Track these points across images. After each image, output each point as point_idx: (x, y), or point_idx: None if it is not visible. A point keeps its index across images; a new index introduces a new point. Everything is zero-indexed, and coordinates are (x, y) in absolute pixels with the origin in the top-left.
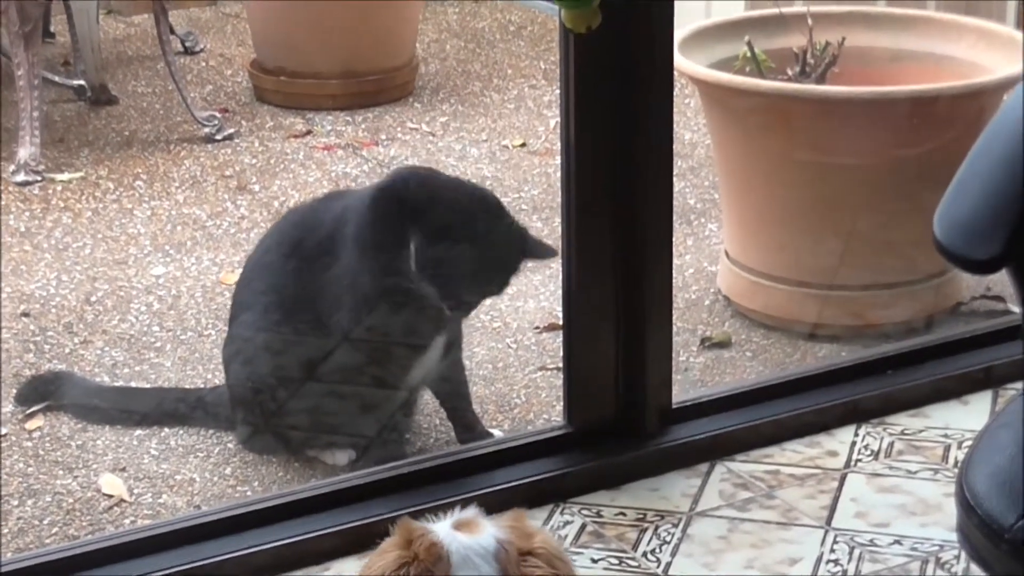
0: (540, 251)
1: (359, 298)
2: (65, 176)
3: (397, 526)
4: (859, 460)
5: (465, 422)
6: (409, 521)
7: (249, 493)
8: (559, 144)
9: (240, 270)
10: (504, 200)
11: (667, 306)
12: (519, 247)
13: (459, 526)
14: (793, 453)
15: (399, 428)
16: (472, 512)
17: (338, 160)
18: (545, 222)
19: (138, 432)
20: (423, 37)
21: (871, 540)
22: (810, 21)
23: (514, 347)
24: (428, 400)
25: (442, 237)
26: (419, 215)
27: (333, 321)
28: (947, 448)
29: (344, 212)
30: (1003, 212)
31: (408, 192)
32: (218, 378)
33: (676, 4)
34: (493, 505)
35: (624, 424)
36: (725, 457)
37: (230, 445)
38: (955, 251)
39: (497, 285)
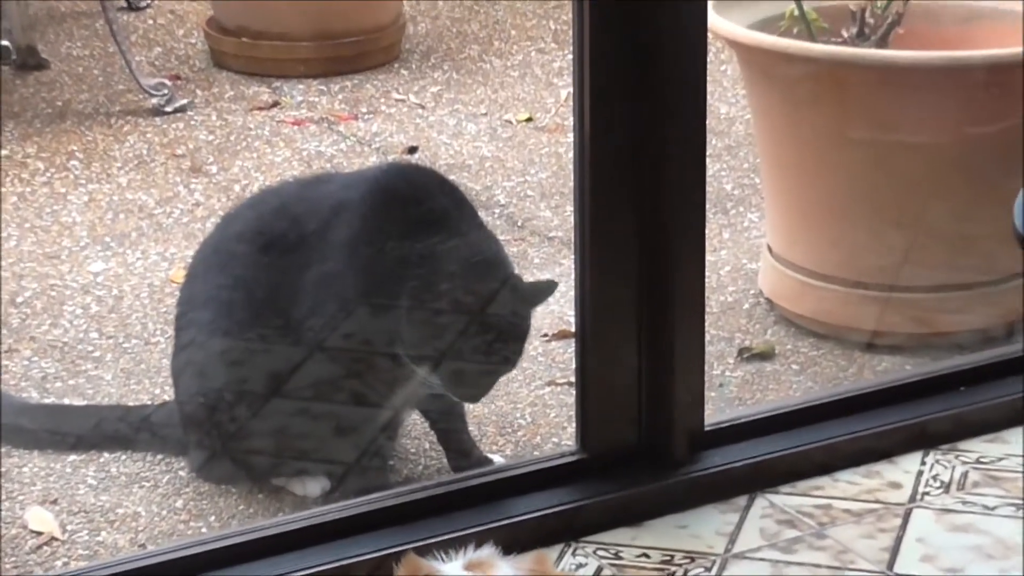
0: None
1: (345, 302)
2: None
3: (402, 562)
4: (926, 493)
5: (460, 447)
6: (415, 557)
7: (204, 530)
8: (571, 119)
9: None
10: (508, 184)
11: (699, 310)
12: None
13: (472, 567)
14: (848, 485)
15: (382, 453)
16: (488, 551)
17: (310, 136)
18: (555, 211)
19: (72, 458)
20: None
21: None
22: None
23: None
24: (416, 421)
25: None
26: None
27: (308, 327)
28: None
29: (337, 201)
30: None
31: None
32: (167, 393)
33: None
34: (496, 544)
35: (648, 449)
36: (767, 489)
37: (181, 473)
38: None
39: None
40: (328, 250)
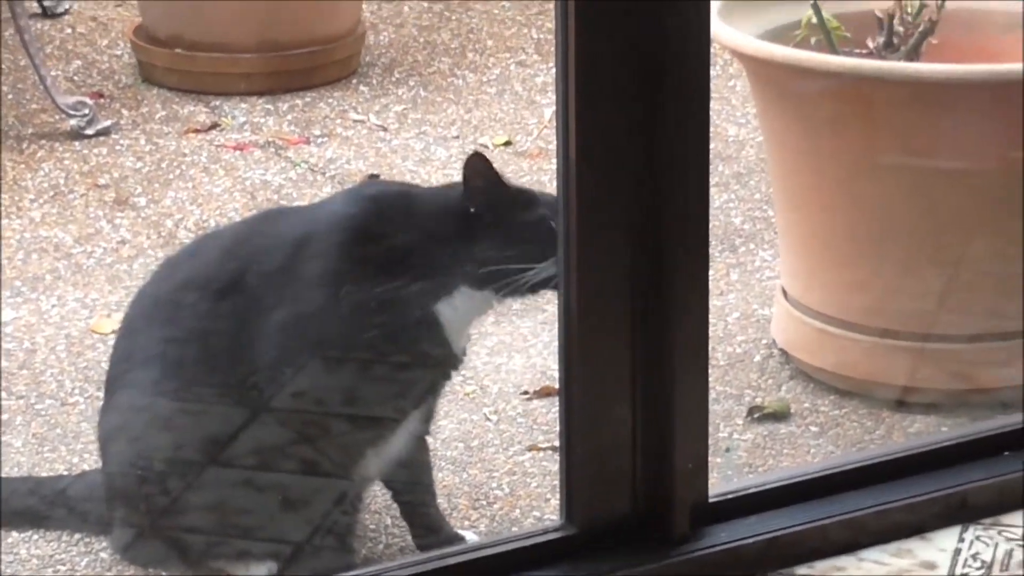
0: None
1: (297, 356)
2: None
3: None
4: (966, 574)
5: (427, 522)
6: None
7: None
8: (555, 143)
9: (120, 313)
10: None
11: (702, 363)
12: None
13: None
14: (875, 564)
15: (339, 531)
16: None
17: (255, 163)
18: None
19: None
20: None
21: None
22: None
23: (494, 419)
24: (376, 492)
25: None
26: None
27: (253, 386)
28: None
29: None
30: None
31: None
32: (88, 462)
33: None
34: None
35: (644, 524)
36: (781, 569)
37: (103, 555)
38: None
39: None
40: (279, 297)
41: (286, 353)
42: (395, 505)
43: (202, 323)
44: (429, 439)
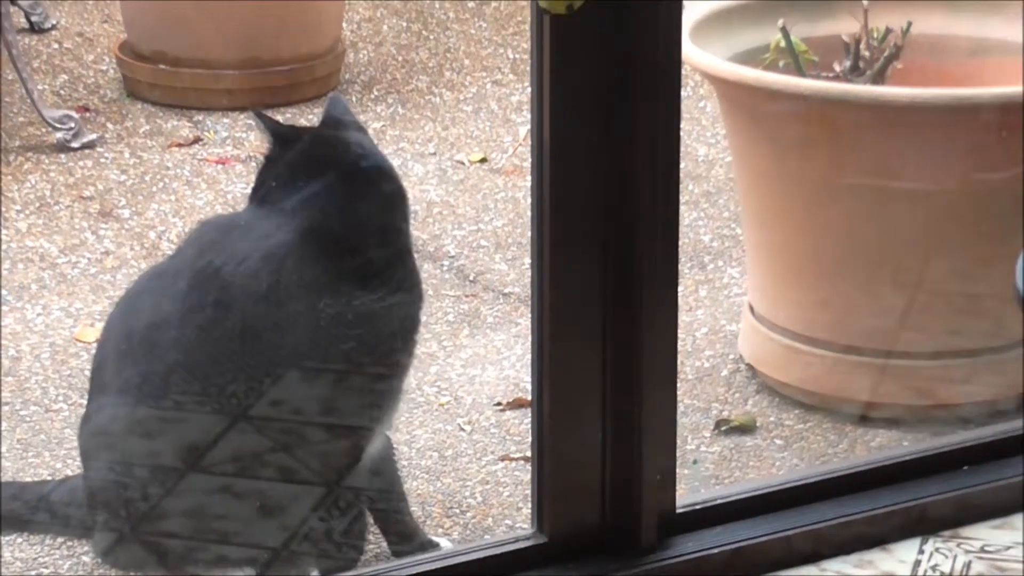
0: None
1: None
2: None
3: None
4: None
5: (401, 529)
6: None
7: None
8: (530, 160)
9: (102, 323)
10: (459, 232)
11: (670, 377)
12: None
13: None
14: (837, 575)
15: (314, 537)
16: None
17: (236, 177)
18: (511, 263)
19: None
20: (352, 15)
21: None
22: (866, 1)
23: (468, 430)
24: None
25: None
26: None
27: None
28: None
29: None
30: None
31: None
32: (71, 468)
33: None
34: None
35: (612, 533)
36: None
37: (86, 558)
38: None
39: None
40: (249, 305)
41: (247, 367)
42: (369, 513)
43: (180, 334)
44: (402, 448)
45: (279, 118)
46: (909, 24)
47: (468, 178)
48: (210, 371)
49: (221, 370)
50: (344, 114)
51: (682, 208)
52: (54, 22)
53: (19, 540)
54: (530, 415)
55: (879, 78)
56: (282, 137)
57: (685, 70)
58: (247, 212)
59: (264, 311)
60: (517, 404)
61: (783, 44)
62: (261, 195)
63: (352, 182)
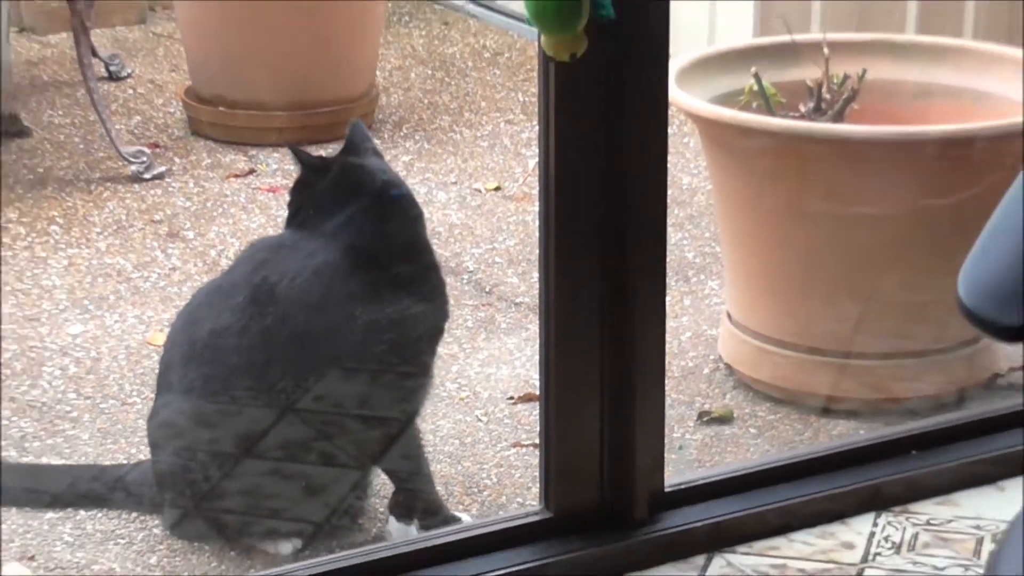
0: None
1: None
2: None
3: None
4: (878, 554)
5: (427, 505)
6: None
7: None
8: (538, 188)
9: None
10: (477, 251)
11: (659, 375)
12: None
13: None
14: (803, 545)
15: (352, 513)
16: None
17: (285, 204)
18: (521, 277)
19: (50, 515)
20: (384, 64)
21: None
22: (827, 51)
23: (484, 420)
24: (384, 481)
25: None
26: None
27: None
28: (979, 541)
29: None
30: None
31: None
32: (143, 453)
33: (673, 30)
34: None
35: (609, 510)
36: (725, 548)
37: (156, 531)
38: (983, 315)
39: None
40: (302, 314)
41: (293, 367)
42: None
43: (235, 335)
44: (428, 436)
45: (322, 152)
46: (864, 71)
47: (484, 204)
48: (264, 372)
49: (273, 371)
50: (364, 140)
51: (669, 229)
52: (129, 71)
53: (99, 515)
54: (538, 407)
55: (838, 117)
56: (312, 167)
57: (671, 110)
58: (289, 234)
59: (313, 320)
60: (527, 398)
61: (756, 88)
62: (300, 220)
63: (383, 207)
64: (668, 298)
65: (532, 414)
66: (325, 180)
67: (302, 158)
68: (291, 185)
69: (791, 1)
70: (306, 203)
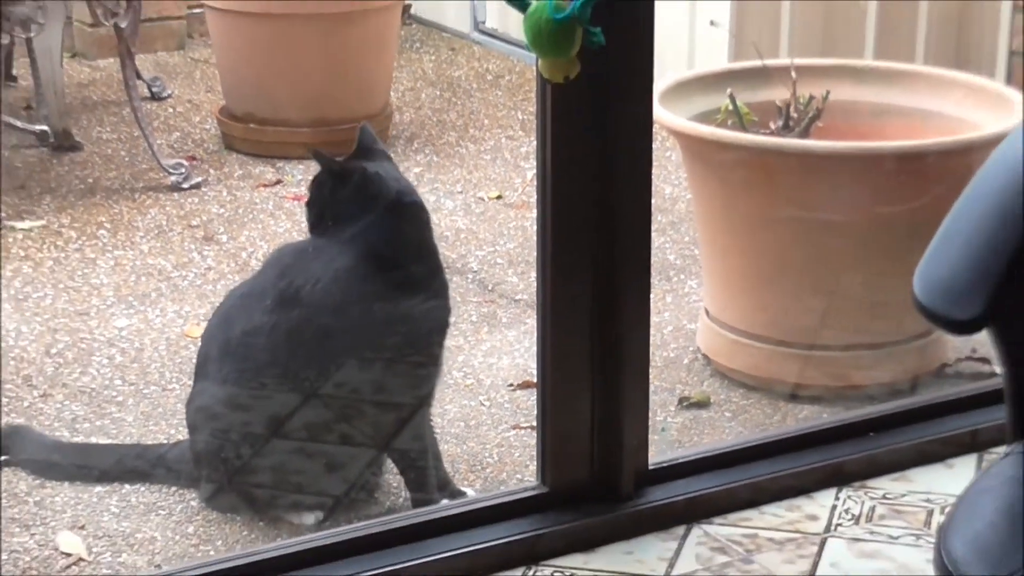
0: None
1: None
2: (26, 224)
3: None
4: (840, 525)
5: (436, 481)
6: None
7: (212, 553)
8: (535, 197)
9: (205, 323)
10: (480, 253)
11: (644, 365)
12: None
13: None
14: (772, 517)
15: (368, 487)
16: None
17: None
18: (520, 276)
19: (98, 489)
20: (398, 85)
21: None
22: (794, 74)
23: (487, 405)
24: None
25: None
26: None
27: (305, 377)
28: (930, 513)
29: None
30: (984, 272)
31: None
32: (181, 434)
33: (657, 55)
34: (464, 566)
35: (599, 485)
36: (702, 520)
37: (193, 503)
38: (935, 311)
39: None
40: (324, 314)
41: (331, 356)
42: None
43: (265, 334)
44: (437, 419)
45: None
46: (827, 93)
47: (487, 211)
48: (290, 364)
49: (299, 363)
50: (373, 142)
51: (652, 234)
52: (170, 92)
53: (142, 489)
54: (535, 393)
55: (804, 134)
56: (330, 167)
57: (655, 127)
58: (312, 241)
59: (334, 318)
60: (525, 385)
61: (731, 107)
62: (321, 229)
63: (395, 214)
64: (652, 295)
65: (530, 399)
66: (344, 189)
67: (322, 160)
68: (310, 183)
69: (763, 29)
70: (326, 210)
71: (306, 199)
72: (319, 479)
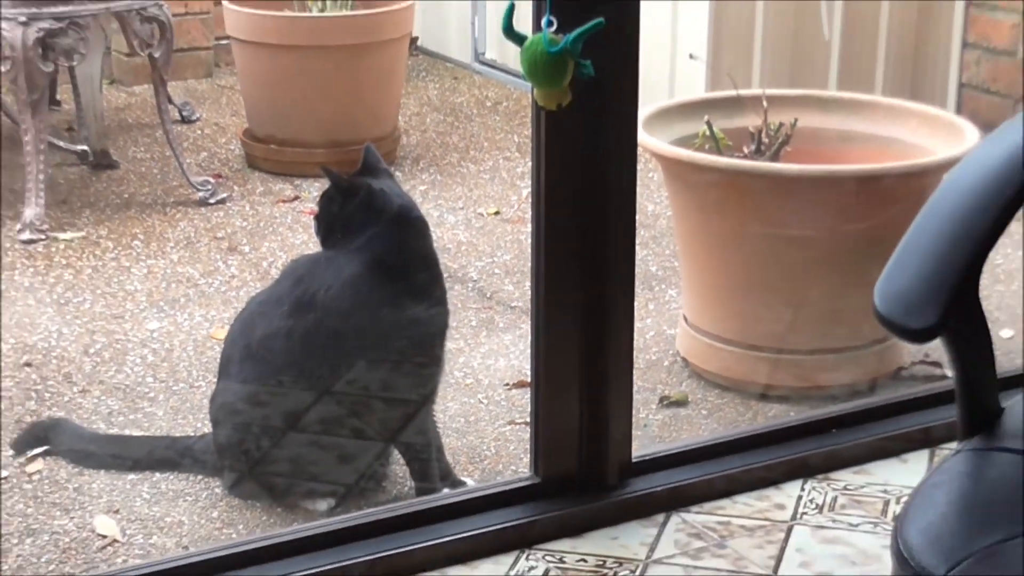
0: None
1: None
2: (67, 235)
3: None
4: (805, 513)
5: (438, 471)
6: None
7: (234, 535)
8: (530, 213)
9: (229, 327)
10: (479, 263)
11: (628, 367)
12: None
13: None
14: (744, 506)
15: (376, 477)
16: None
17: (314, 217)
18: (516, 285)
19: (131, 477)
20: (405, 110)
21: None
22: (765, 103)
23: (485, 402)
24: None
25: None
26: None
27: (319, 376)
28: (886, 503)
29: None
30: (938, 285)
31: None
32: (207, 427)
33: (641, 85)
34: (464, 549)
35: (587, 476)
36: (681, 508)
37: (217, 490)
38: (894, 321)
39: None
40: (336, 318)
41: (343, 357)
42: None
43: (282, 337)
44: (439, 415)
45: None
46: (796, 120)
47: (486, 225)
48: (306, 364)
49: (313, 363)
50: (377, 161)
51: (636, 247)
52: (198, 115)
53: (171, 477)
54: (529, 392)
55: (775, 157)
56: (338, 183)
57: (639, 150)
58: (324, 253)
59: (346, 322)
60: (520, 384)
61: (708, 133)
62: (331, 241)
63: (401, 227)
64: (635, 303)
65: (524, 398)
66: (351, 205)
67: (332, 176)
68: (319, 197)
69: (737, 62)
70: (335, 222)
71: (315, 212)
72: (332, 469)
